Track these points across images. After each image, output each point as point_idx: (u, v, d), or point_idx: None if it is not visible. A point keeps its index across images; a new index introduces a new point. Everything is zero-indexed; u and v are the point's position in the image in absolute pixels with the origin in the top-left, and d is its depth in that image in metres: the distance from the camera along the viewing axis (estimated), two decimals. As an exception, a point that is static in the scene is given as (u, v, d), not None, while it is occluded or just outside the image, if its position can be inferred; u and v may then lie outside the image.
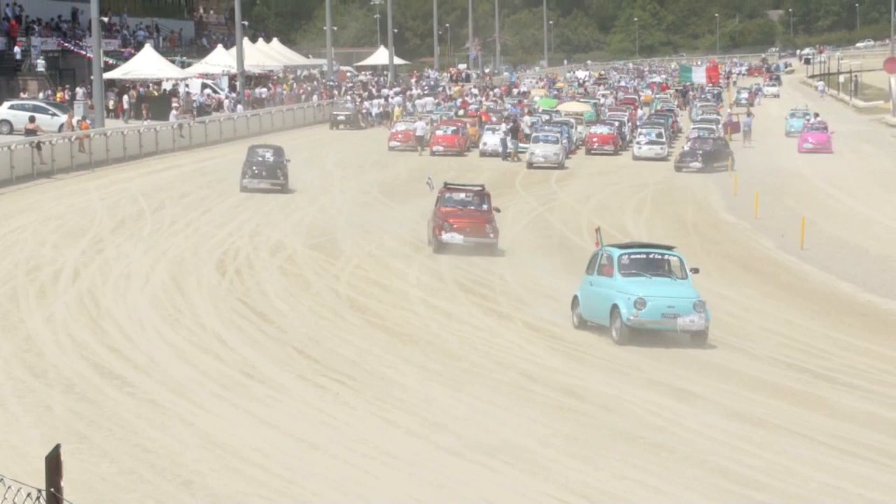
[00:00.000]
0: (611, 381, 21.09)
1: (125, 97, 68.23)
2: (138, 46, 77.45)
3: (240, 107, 72.36)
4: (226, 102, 72.89)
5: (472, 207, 34.26)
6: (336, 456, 16.26)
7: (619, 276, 24.56)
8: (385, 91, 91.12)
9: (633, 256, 25.09)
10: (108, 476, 15.18)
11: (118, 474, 15.27)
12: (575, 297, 25.71)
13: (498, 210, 35.03)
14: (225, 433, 17.06)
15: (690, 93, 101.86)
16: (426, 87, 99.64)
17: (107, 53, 68.42)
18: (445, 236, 33.15)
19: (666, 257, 25.23)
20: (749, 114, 76.24)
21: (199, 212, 39.14)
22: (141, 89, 71.34)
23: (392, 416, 18.28)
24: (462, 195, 34.72)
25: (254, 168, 44.38)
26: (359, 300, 27.13)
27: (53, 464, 6.80)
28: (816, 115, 74.42)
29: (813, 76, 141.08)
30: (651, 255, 25.26)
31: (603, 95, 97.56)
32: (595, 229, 27.83)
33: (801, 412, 19.54)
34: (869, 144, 69.10)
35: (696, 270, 25.37)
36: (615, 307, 24.05)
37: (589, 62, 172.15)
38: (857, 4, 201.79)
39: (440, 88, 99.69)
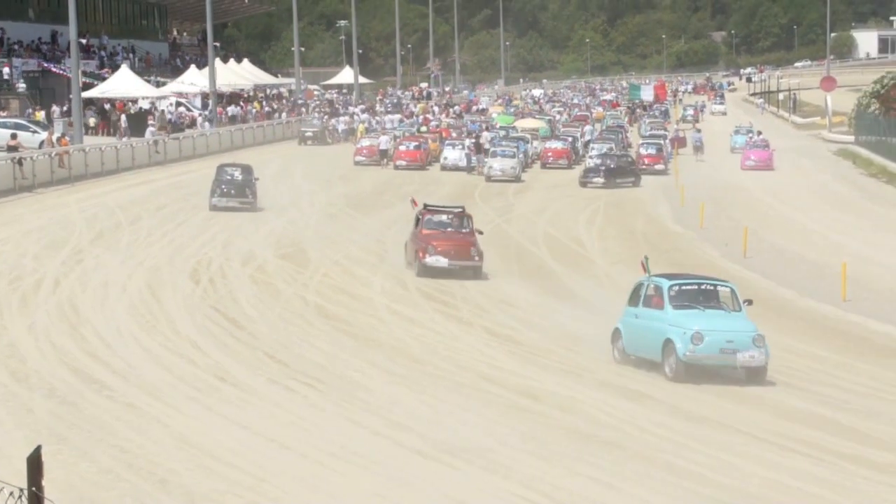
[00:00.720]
0: (565, 382, 21.14)
1: (123, 116, 67.84)
2: (115, 67, 77.14)
3: (207, 124, 71.99)
4: (198, 120, 72.62)
5: (454, 229, 32.06)
6: (305, 455, 16.25)
7: (670, 308, 22.05)
8: (351, 108, 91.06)
9: (683, 287, 22.51)
10: (87, 475, 15.12)
11: (97, 473, 15.21)
12: (616, 330, 23.18)
13: (480, 232, 32.54)
14: (199, 434, 17.02)
15: (638, 110, 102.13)
16: (390, 105, 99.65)
17: (85, 74, 68.12)
18: (429, 259, 30.91)
19: (718, 288, 22.74)
20: (697, 129, 76.54)
21: (173, 224, 39.00)
22: (107, 106, 70.82)
23: (358, 417, 18.28)
24: (443, 217, 32.41)
25: (223, 187, 42.39)
26: (326, 307, 27.10)
27: (35, 464, 6.78)
28: (759, 132, 74.17)
29: (754, 94, 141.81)
30: (703, 286, 22.77)
31: (558, 112, 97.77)
32: (643, 259, 24.22)
33: (743, 411, 19.65)
34: (807, 159, 69.49)
35: (749, 302, 22.83)
36: (669, 342, 21.67)
37: (545, 81, 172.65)
38: (794, 27, 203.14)
39: (404, 106, 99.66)
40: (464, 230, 32.17)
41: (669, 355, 21.69)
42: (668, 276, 23.33)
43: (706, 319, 21.82)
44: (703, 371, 21.76)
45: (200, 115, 74.04)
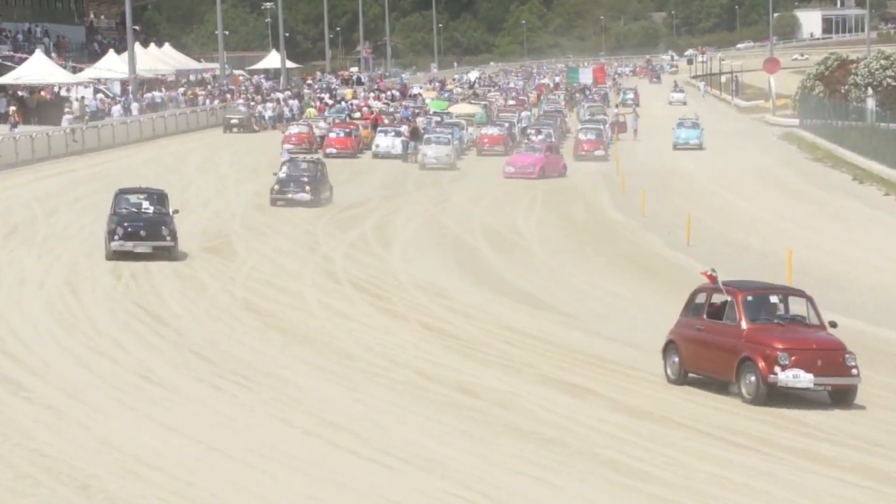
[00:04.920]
0: (504, 377, 21.19)
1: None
2: (29, 51, 76.28)
3: (115, 108, 70.98)
4: (116, 108, 71.85)
5: (793, 320, 21.01)
6: (234, 457, 16.19)
7: None
8: (278, 94, 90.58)
9: None
10: (3, 481, 14.98)
11: (14, 479, 15.07)
12: None
13: (834, 324, 21.33)
14: (122, 436, 16.91)
15: (577, 94, 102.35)
16: (320, 90, 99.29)
17: (-3, 58, 67.39)
18: (783, 376, 19.88)
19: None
20: (636, 114, 76.89)
21: (92, 216, 38.59)
22: (22, 93, 69.91)
23: (289, 416, 18.24)
24: (773, 298, 21.37)
25: (125, 225, 31.37)
26: (254, 302, 26.99)
27: (-50, 472, 6.71)
28: (544, 132, 62.36)
29: (696, 76, 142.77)
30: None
31: (494, 97, 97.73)
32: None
33: (688, 405, 19.79)
34: (750, 143, 70.05)
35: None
36: None
37: (493, 63, 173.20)
38: (736, 7, 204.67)
39: (338, 92, 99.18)
40: (807, 320, 21.16)
41: None
42: None
43: None
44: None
45: (119, 102, 73.22)
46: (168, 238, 31.49)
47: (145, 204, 32.32)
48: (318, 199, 42.30)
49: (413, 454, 16.48)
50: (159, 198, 32.70)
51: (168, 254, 31.37)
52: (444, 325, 25.32)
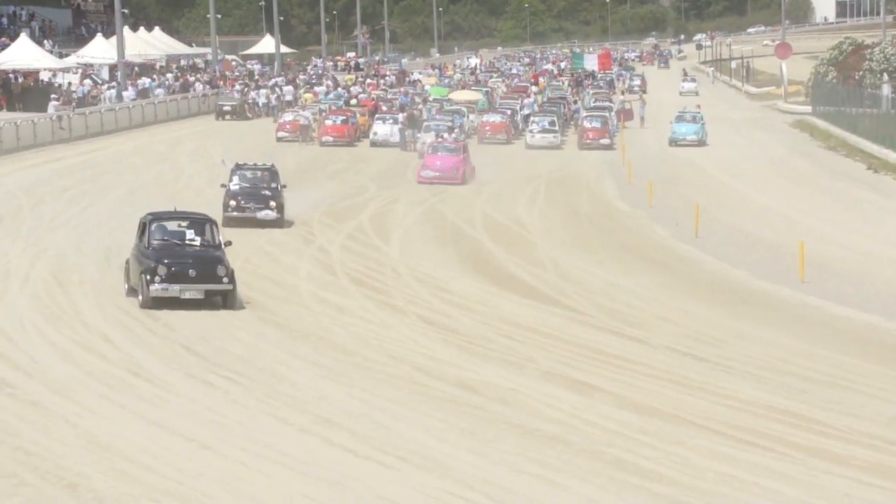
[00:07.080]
0: (506, 373, 21.20)
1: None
2: (14, 35, 76.27)
3: (126, 94, 71.27)
4: (107, 94, 71.86)
5: None
6: (227, 455, 16.21)
7: None
8: (273, 80, 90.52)
9: None
10: (-11, 481, 15.01)
11: None
12: None
13: None
14: (111, 434, 16.94)
15: (584, 81, 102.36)
16: (315, 77, 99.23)
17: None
18: None
19: None
20: (643, 101, 76.88)
21: (80, 207, 38.66)
22: (11, 76, 69.94)
23: (284, 413, 18.27)
24: None
25: (168, 263, 25.27)
26: (248, 295, 26.97)
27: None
28: (452, 132, 56.06)
29: (705, 62, 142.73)
30: None
31: (496, 83, 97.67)
32: None
33: (697, 402, 19.79)
34: (761, 131, 70.05)
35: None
36: None
37: (500, 48, 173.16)
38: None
39: (335, 80, 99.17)
40: None
41: None
42: None
43: None
44: None
45: (109, 87, 73.21)
46: (225, 279, 25.44)
47: (189, 234, 26.43)
48: (283, 217, 36.49)
49: (411, 452, 16.51)
50: (206, 226, 26.87)
51: (225, 301, 25.51)
52: (444, 319, 25.33)
